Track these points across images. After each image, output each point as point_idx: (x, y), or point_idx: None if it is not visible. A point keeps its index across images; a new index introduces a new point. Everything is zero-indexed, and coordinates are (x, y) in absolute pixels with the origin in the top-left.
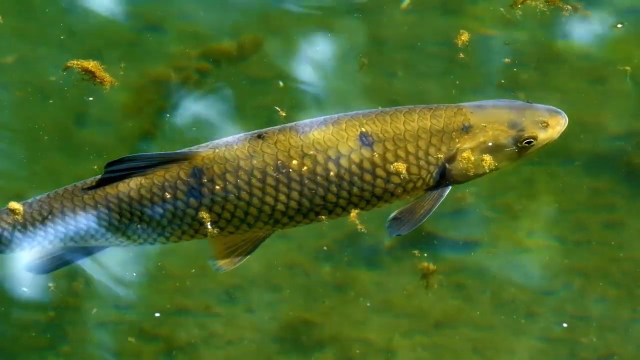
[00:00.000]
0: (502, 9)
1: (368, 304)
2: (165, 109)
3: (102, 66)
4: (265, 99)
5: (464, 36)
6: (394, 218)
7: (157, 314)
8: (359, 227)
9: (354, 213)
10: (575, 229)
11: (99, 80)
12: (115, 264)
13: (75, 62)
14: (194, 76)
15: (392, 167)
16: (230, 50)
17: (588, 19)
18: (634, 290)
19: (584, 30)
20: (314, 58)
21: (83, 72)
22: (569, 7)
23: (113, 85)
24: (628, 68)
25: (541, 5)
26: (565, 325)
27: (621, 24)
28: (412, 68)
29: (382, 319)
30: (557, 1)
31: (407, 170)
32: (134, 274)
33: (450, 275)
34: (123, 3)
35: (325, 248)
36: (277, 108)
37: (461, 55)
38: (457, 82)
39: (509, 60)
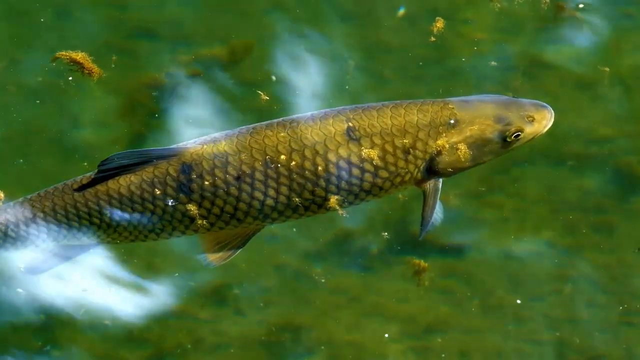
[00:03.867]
0: (493, 12)
1: (323, 280)
2: (157, 112)
3: (90, 57)
4: (256, 102)
5: (439, 23)
6: None
7: (113, 289)
8: (340, 212)
9: (333, 199)
10: (564, 232)
11: (87, 72)
12: (105, 266)
13: (63, 53)
14: (186, 80)
15: (363, 153)
16: (222, 54)
17: (576, 19)
18: (622, 294)
19: (572, 34)
20: (304, 63)
21: (71, 63)
22: (547, 0)
23: (101, 76)
24: (607, 69)
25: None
26: (553, 327)
27: (582, 4)
28: (402, 72)
29: (372, 323)
30: None
31: (395, 164)
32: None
33: (440, 279)
34: (115, 9)
35: (315, 251)
36: (260, 92)
37: (432, 38)
38: (446, 86)
39: (496, 63)
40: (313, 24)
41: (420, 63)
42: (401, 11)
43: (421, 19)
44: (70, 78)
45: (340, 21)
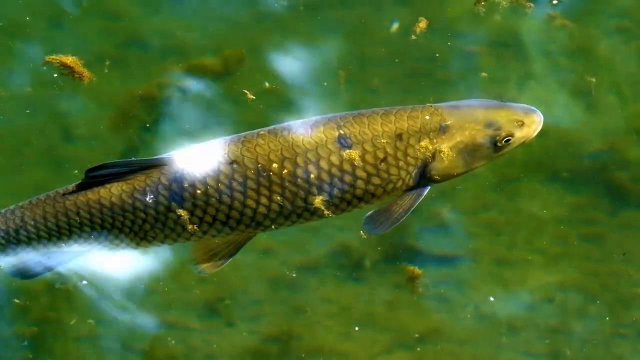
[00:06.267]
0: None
1: (294, 274)
2: (150, 124)
3: (81, 61)
4: (248, 112)
5: (422, 23)
6: (371, 217)
7: (84, 282)
8: (326, 212)
9: (318, 199)
10: (556, 243)
11: (77, 76)
12: (98, 276)
13: (54, 57)
14: (178, 92)
15: (344, 154)
16: (214, 65)
17: (565, 28)
18: (614, 306)
19: (564, 44)
20: (296, 73)
21: (62, 67)
22: (531, 4)
23: (91, 80)
24: (593, 79)
25: (504, 3)
26: (546, 339)
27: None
28: (393, 83)
29: (364, 333)
30: None
31: (387, 171)
32: (85, 282)
33: (433, 289)
34: (107, 19)
35: (307, 264)
36: (245, 91)
37: (413, 37)
38: (437, 97)
39: (486, 74)
40: (306, 34)
41: (411, 74)
42: (395, 25)
43: (413, 32)
44: (56, 75)
45: (334, 33)
